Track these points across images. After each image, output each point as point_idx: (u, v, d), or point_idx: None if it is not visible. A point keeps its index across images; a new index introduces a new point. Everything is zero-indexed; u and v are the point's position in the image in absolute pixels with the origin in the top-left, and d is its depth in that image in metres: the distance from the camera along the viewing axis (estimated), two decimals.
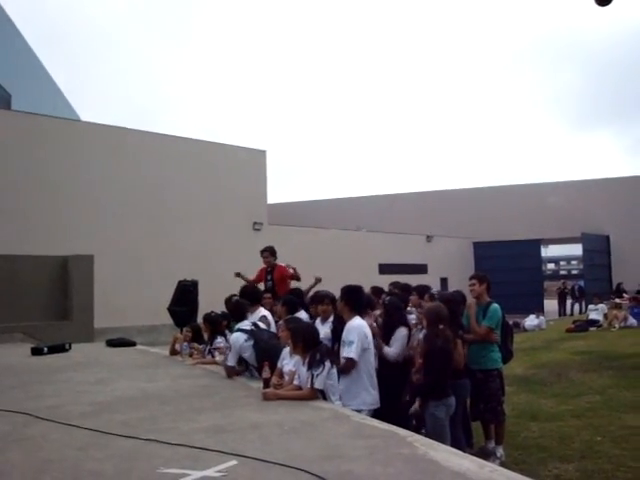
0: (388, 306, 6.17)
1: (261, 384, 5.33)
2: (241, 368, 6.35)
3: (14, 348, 10.00)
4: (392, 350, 5.82)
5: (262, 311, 6.85)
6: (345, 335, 5.14)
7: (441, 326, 5.00)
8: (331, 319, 6.01)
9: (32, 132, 17.78)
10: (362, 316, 5.42)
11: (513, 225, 32.20)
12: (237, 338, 5.94)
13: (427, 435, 4.50)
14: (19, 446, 3.78)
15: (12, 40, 24.58)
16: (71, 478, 3.15)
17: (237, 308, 6.58)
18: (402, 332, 5.92)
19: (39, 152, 17.70)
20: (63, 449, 3.68)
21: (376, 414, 4.94)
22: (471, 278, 6.19)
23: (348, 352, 5.06)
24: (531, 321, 20.10)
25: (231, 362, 6.10)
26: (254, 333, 5.92)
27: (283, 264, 8.81)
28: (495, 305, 5.94)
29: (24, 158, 17.33)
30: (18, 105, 23.15)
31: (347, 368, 5.08)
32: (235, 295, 7.36)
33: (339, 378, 4.99)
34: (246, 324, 6.16)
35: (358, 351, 5.06)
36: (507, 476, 3.14)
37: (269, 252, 8.84)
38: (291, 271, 8.68)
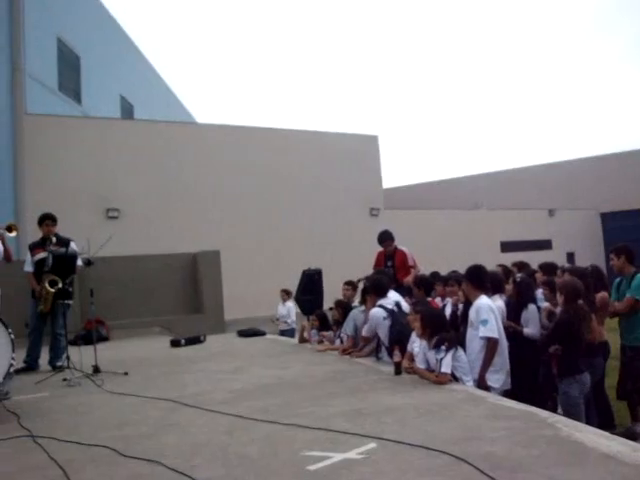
0: (520, 284, 5.99)
1: (392, 367, 5.38)
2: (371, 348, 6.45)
3: (153, 341, 10.65)
4: (531, 330, 5.67)
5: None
6: (475, 315, 4.98)
7: (580, 301, 4.76)
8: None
9: (154, 138, 18.85)
10: (489, 295, 5.28)
11: None
12: (377, 314, 5.96)
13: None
14: (170, 431, 4.03)
15: (131, 55, 26.05)
16: (220, 460, 3.31)
17: (378, 284, 6.34)
18: (533, 309, 5.82)
19: (161, 156, 18.72)
20: (210, 433, 3.89)
21: (508, 395, 4.78)
22: (609, 252, 6.02)
23: (485, 331, 4.82)
24: None
25: (366, 333, 6.26)
26: (394, 314, 5.90)
27: (404, 248, 8.39)
28: None
29: (148, 163, 18.41)
30: (140, 114, 24.62)
31: (491, 347, 4.83)
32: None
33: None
34: (389, 302, 6.07)
35: (495, 328, 4.86)
36: None
37: (390, 239, 8.38)
38: (411, 262, 8.21)
